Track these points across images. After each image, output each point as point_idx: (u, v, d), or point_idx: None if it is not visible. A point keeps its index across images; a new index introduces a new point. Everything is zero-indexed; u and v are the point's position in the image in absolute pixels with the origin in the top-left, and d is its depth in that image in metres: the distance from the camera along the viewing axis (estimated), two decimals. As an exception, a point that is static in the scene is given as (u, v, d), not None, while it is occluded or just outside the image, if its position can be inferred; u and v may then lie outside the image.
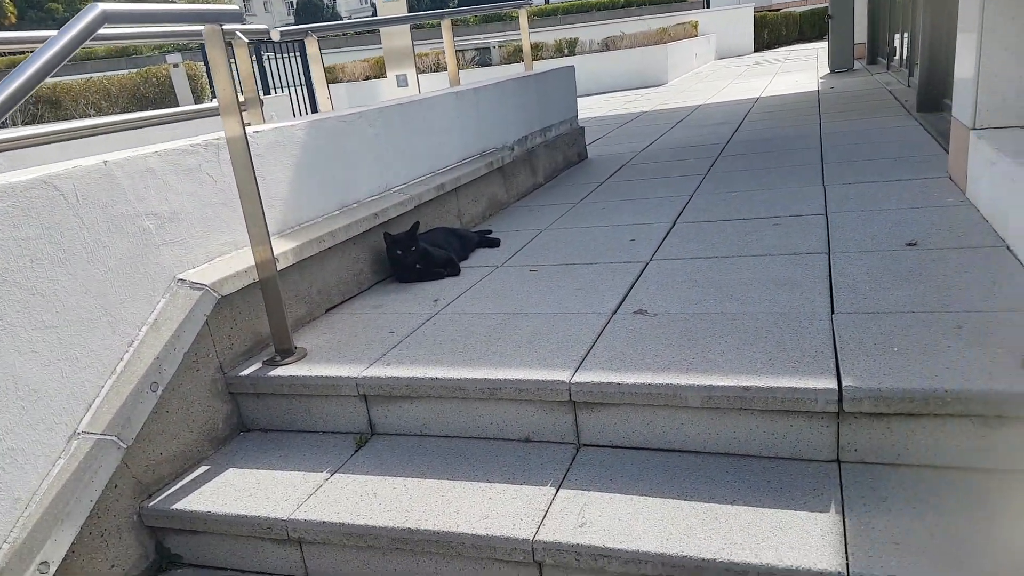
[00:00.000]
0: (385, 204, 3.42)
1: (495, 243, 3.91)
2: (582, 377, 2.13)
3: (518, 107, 5.37)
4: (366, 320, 2.92)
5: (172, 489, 2.26)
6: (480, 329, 2.65)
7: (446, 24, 5.51)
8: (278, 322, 2.55)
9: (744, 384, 1.95)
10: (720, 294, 2.69)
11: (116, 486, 2.12)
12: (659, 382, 2.03)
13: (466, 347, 2.49)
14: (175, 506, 2.17)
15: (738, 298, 2.62)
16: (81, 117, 9.19)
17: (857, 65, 12.62)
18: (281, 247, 2.76)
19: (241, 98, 3.51)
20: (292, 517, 2.04)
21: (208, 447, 2.43)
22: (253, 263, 2.52)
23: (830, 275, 2.72)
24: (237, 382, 2.50)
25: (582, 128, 6.85)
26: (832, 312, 2.38)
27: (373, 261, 3.39)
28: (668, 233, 3.70)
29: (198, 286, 2.38)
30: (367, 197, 3.44)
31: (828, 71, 12.49)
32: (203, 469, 2.35)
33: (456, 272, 3.44)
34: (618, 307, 2.72)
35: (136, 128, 4.13)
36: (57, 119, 9.23)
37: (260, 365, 2.54)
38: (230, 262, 2.58)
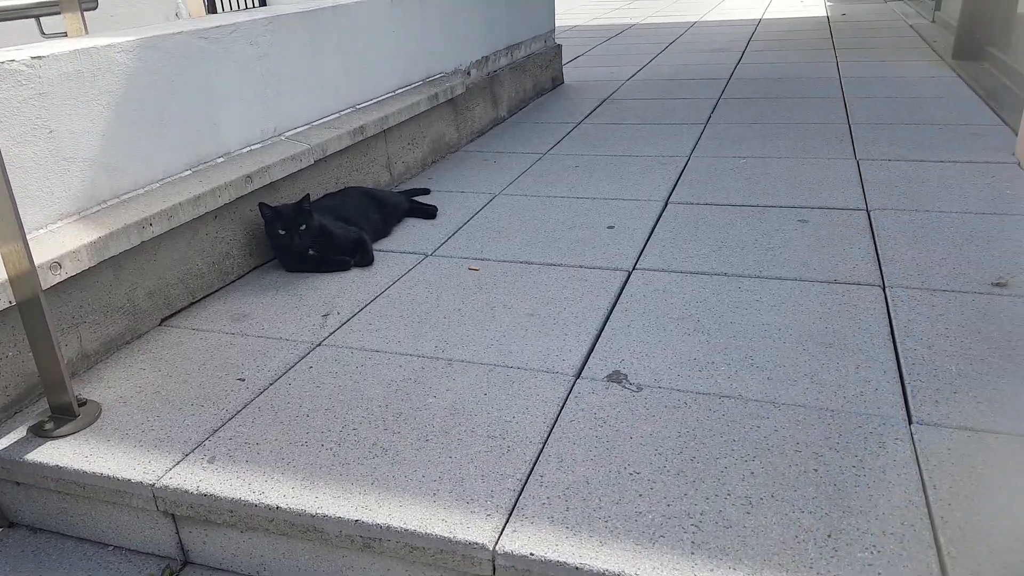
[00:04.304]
0: (267, 159, 2.40)
1: (430, 213, 2.94)
2: (515, 540, 1.26)
3: (480, 18, 4.24)
4: (213, 345, 1.98)
5: None
6: (376, 389, 1.75)
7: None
8: (48, 367, 1.61)
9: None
10: (735, 353, 1.82)
11: None
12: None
13: (343, 432, 1.60)
14: None
15: (762, 366, 1.76)
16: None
17: (868, -11, 11.44)
18: (70, 240, 1.77)
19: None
20: None
21: (-75, 568, 1.53)
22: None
23: (892, 335, 1.87)
24: (-20, 462, 1.59)
25: (559, 46, 5.72)
26: (909, 419, 1.54)
27: (247, 239, 2.41)
28: (658, 219, 2.78)
29: None
30: (240, 148, 2.41)
31: (836, -6, 11.31)
32: (-98, 617, 1.47)
33: (367, 260, 2.49)
34: (586, 360, 1.84)
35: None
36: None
37: (24, 434, 1.62)
38: (-31, 269, 1.59)
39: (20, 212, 1.58)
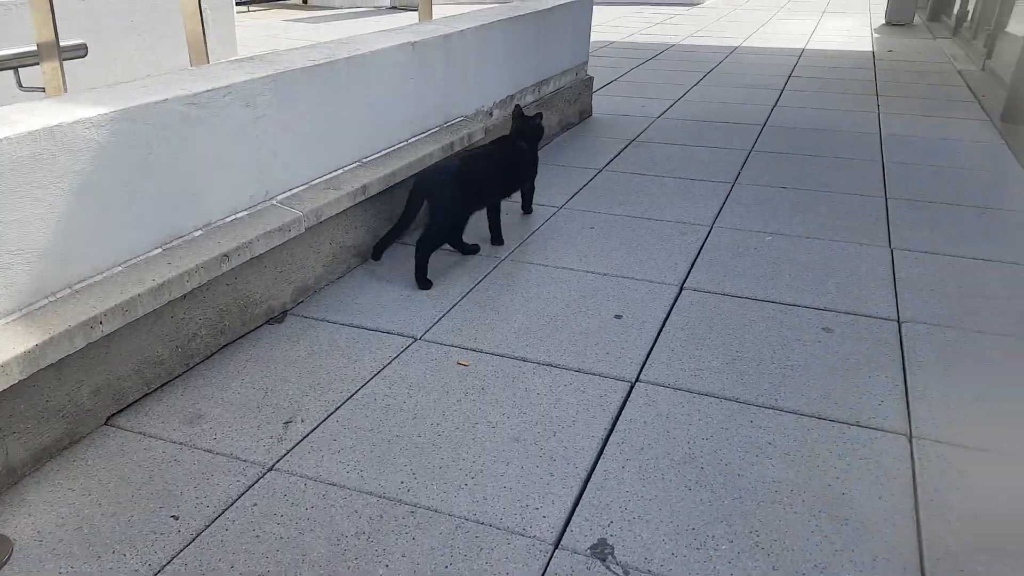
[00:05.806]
0: (250, 233, 2.20)
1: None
2: None
3: (508, 54, 4.01)
4: (156, 460, 1.78)
5: None
6: (321, 549, 1.54)
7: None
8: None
9: None
10: (739, 525, 1.59)
11: None
12: None
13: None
14: None
15: (767, 549, 1.52)
16: None
17: (916, 19, 11.03)
18: (10, 346, 1.59)
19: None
20: None
21: None
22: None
23: (917, 517, 1.63)
24: None
25: (590, 78, 5.46)
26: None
27: (219, 316, 2.22)
28: (670, 310, 2.55)
29: None
30: (224, 217, 2.21)
31: (884, 21, 10.91)
32: None
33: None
34: (569, 518, 1.62)
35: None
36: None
37: (-74, 571, 1.45)
38: None
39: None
